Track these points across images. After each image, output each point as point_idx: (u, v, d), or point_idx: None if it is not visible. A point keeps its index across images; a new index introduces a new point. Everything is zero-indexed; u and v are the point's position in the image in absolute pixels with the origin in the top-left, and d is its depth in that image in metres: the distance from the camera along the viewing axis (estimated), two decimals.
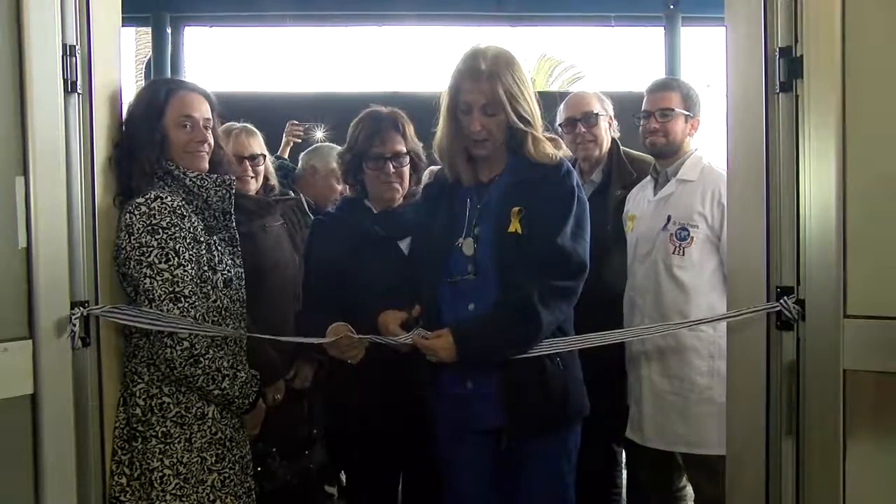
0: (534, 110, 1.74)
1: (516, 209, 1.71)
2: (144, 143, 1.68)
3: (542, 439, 1.75)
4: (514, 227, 1.70)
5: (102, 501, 1.62)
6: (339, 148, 2.96)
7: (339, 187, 2.86)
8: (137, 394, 1.65)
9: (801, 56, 1.46)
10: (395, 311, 1.79)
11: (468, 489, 1.83)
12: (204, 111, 1.76)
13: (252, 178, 2.34)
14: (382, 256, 1.94)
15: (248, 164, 2.32)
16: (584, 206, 1.76)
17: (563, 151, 2.34)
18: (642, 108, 2.28)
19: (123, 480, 1.64)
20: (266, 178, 2.42)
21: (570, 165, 1.80)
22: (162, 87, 1.74)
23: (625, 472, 2.70)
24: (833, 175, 1.41)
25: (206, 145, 1.75)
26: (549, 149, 1.77)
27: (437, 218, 1.83)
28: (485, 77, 1.69)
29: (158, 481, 1.63)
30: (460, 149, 1.79)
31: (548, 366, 1.71)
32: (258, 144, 2.40)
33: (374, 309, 1.82)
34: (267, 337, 1.83)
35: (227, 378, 1.67)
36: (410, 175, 2.02)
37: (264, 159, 2.40)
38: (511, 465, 1.78)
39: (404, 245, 1.98)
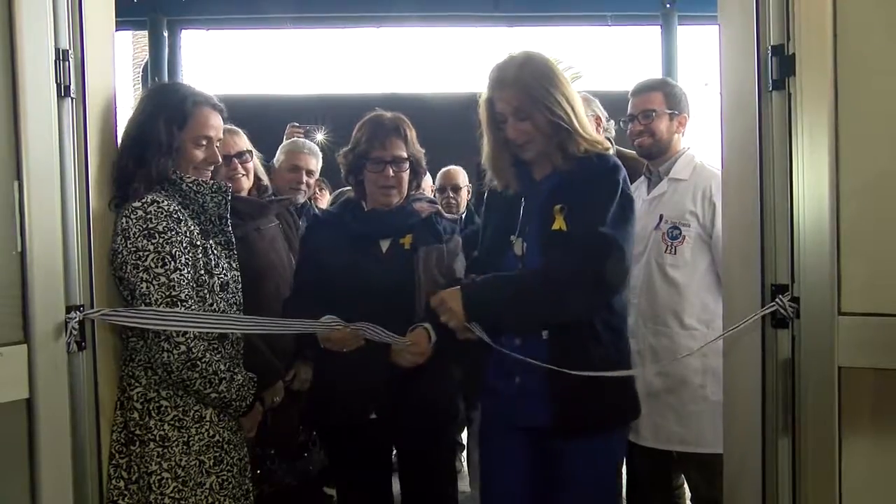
0: (568, 108, 1.72)
1: (558, 206, 1.72)
2: (162, 151, 1.67)
3: (587, 439, 1.72)
4: (559, 224, 1.71)
5: None
6: (310, 143, 3.03)
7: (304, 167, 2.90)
8: (135, 397, 1.65)
9: (794, 54, 1.46)
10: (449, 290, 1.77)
11: (512, 486, 1.82)
12: (219, 130, 1.77)
13: (243, 175, 2.32)
14: (360, 253, 1.99)
15: (236, 162, 2.30)
16: (629, 202, 1.74)
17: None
18: (627, 112, 2.31)
19: (121, 484, 1.64)
20: (258, 178, 2.41)
21: (616, 160, 1.78)
22: (188, 98, 1.72)
23: (624, 471, 2.69)
24: (826, 172, 1.40)
25: (214, 164, 1.77)
26: (586, 144, 1.75)
27: (493, 219, 1.87)
28: (510, 84, 1.73)
29: (157, 484, 1.63)
30: (504, 156, 1.82)
31: (598, 364, 1.68)
32: (243, 142, 2.37)
33: (353, 303, 1.87)
34: (264, 328, 1.81)
35: (223, 381, 1.67)
36: (410, 180, 2.06)
37: (251, 155, 2.38)
38: (555, 464, 1.76)
39: (385, 245, 2.02)
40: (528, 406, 1.74)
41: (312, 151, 2.98)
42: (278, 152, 2.99)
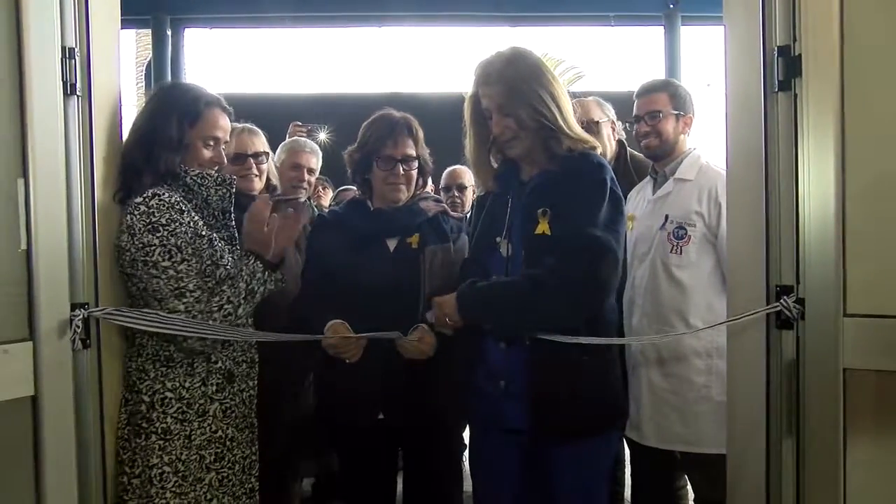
0: (553, 106, 1.71)
1: (541, 210, 1.70)
2: (172, 146, 1.70)
3: (570, 443, 1.72)
4: (542, 228, 1.70)
5: (103, 501, 1.61)
6: (311, 142, 3.08)
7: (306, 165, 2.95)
8: (143, 391, 1.66)
9: (800, 55, 1.45)
10: (446, 297, 1.81)
11: (497, 488, 1.82)
12: (227, 132, 1.80)
13: (256, 176, 2.35)
14: (367, 252, 2.00)
15: (251, 161, 2.33)
16: (618, 201, 1.72)
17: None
18: (633, 114, 2.31)
19: (125, 479, 1.65)
20: (268, 178, 2.43)
21: (601, 159, 1.77)
22: (200, 99, 1.75)
23: (628, 473, 2.69)
24: (832, 174, 1.40)
25: (218, 166, 1.79)
26: (569, 142, 1.73)
27: (483, 219, 1.87)
28: (495, 80, 1.72)
29: (158, 478, 1.63)
30: (484, 154, 1.82)
31: (581, 369, 1.69)
32: (261, 143, 2.41)
33: (362, 303, 1.89)
34: (268, 336, 1.81)
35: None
36: (417, 179, 2.08)
37: (267, 157, 2.42)
38: (539, 468, 1.76)
39: (392, 244, 2.03)
40: (512, 409, 1.74)
41: (313, 150, 3.01)
42: (279, 150, 3.01)
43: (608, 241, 1.64)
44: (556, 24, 6.12)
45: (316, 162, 3.00)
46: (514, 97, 1.70)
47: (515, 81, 1.70)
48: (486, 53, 1.79)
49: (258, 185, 2.36)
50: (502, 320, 1.72)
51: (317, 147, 3.07)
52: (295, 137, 3.25)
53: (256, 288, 1.73)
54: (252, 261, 1.74)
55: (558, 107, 1.72)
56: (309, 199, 3.09)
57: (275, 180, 2.49)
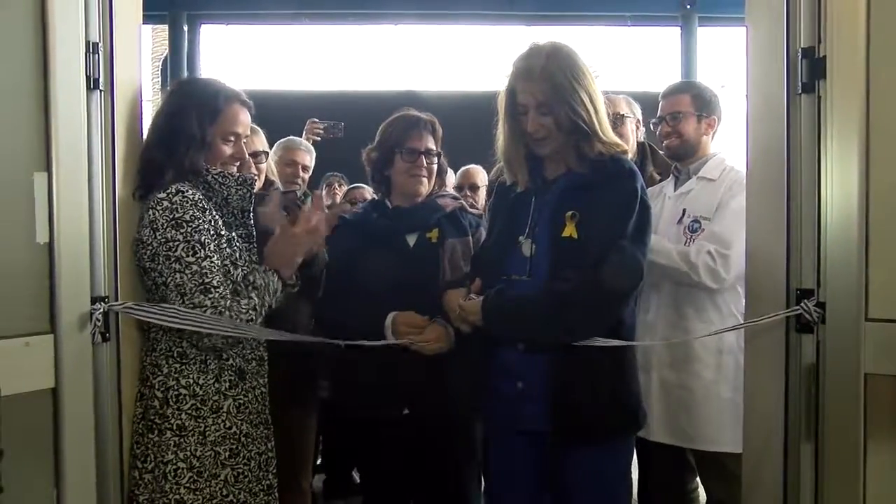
0: (590, 107, 1.68)
1: (570, 213, 1.68)
2: (194, 143, 1.69)
3: (587, 446, 1.71)
4: (570, 231, 1.68)
5: (120, 493, 1.63)
6: (305, 142, 3.20)
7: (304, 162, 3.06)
8: (156, 386, 1.66)
9: (824, 57, 1.44)
10: (457, 290, 1.84)
11: (512, 489, 1.81)
12: (247, 127, 1.80)
13: (255, 176, 2.35)
14: (387, 249, 2.02)
15: (250, 160, 2.33)
16: (648, 211, 1.71)
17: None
18: (657, 115, 2.33)
19: (137, 474, 1.65)
20: (266, 176, 2.44)
21: (633, 165, 1.75)
22: (220, 94, 1.74)
23: (636, 471, 2.68)
24: (855, 177, 1.40)
25: (240, 161, 1.79)
26: (601, 146, 1.71)
27: (502, 214, 1.85)
28: (537, 76, 1.68)
29: (172, 474, 1.63)
30: (520, 149, 1.78)
31: (601, 371, 1.68)
32: (260, 142, 2.41)
33: (385, 299, 1.92)
34: (285, 339, 1.81)
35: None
36: (434, 178, 2.10)
37: (266, 157, 2.43)
38: (557, 469, 1.75)
39: (412, 239, 2.05)
40: (529, 410, 1.73)
41: (308, 149, 3.14)
42: (275, 147, 3.06)
43: (636, 255, 1.64)
44: (572, 24, 6.08)
45: (310, 160, 3.12)
46: (554, 95, 1.66)
47: (557, 78, 1.66)
48: (519, 50, 1.75)
49: (257, 184, 2.37)
50: (527, 333, 1.71)
51: (311, 146, 3.19)
52: (290, 136, 3.31)
53: (273, 304, 1.75)
54: (276, 279, 1.75)
55: (595, 108, 1.69)
56: (305, 193, 3.13)
57: (274, 178, 2.51)
